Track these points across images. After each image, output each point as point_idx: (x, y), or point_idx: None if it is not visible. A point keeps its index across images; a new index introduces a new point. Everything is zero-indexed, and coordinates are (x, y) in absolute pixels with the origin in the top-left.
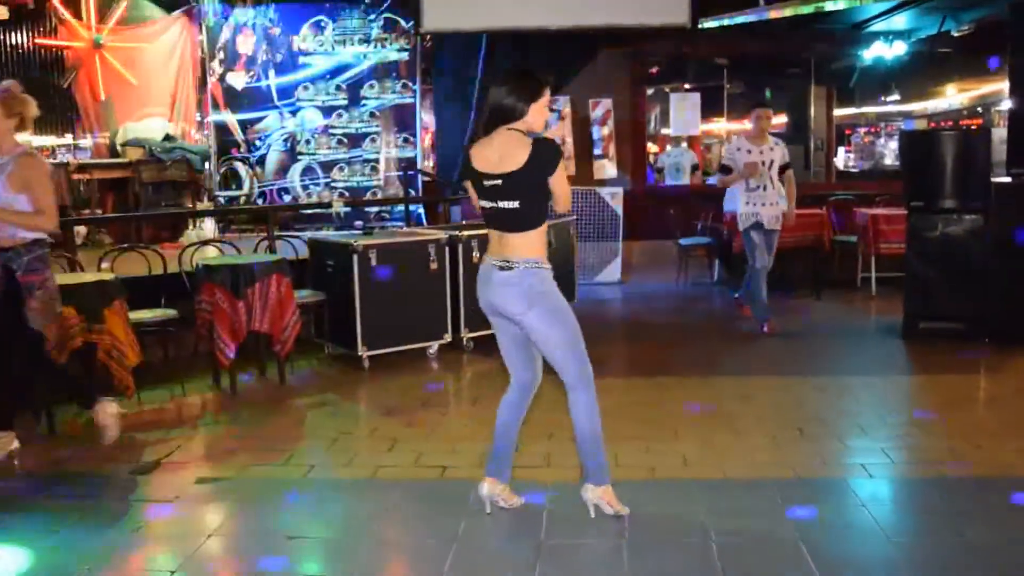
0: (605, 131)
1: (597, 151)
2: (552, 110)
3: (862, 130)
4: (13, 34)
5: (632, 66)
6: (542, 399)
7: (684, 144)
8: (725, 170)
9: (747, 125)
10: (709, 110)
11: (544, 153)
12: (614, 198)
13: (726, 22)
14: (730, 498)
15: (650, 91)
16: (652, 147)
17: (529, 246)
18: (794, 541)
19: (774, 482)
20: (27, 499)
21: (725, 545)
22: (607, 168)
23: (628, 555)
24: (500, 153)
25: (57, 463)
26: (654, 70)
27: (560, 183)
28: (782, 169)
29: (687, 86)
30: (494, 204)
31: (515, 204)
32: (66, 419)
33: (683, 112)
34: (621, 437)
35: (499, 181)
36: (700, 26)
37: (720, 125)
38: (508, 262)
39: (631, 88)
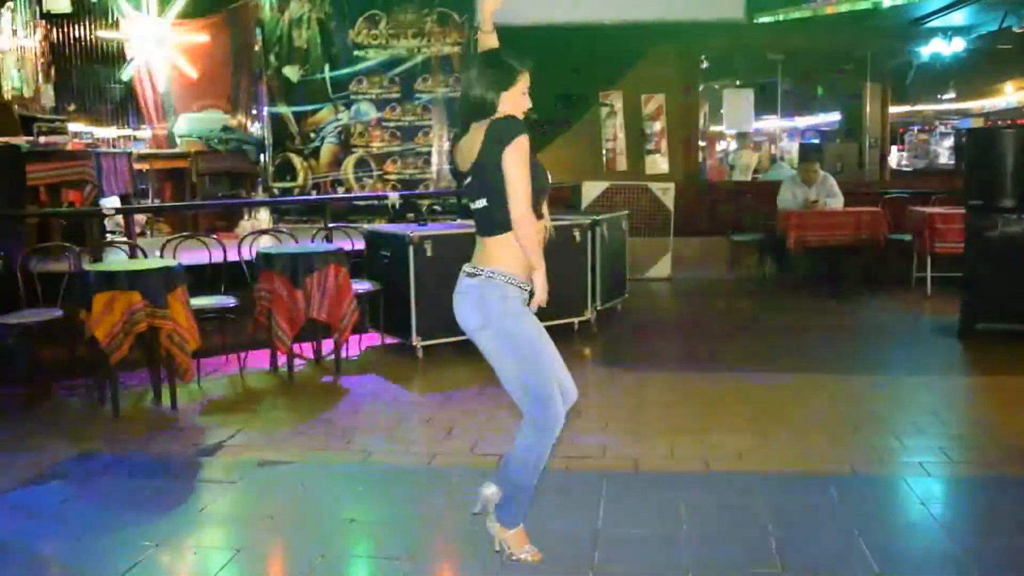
0: (657, 126)
1: (649, 146)
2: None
3: (916, 128)
4: (75, 27)
5: (685, 61)
6: (596, 391)
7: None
8: None
9: (797, 123)
10: (762, 106)
11: (498, 127)
12: (665, 193)
13: (781, 17)
14: (787, 492)
15: (702, 86)
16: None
17: (500, 254)
18: (853, 536)
19: (831, 478)
20: (94, 480)
21: (783, 539)
22: (659, 163)
23: (685, 546)
24: (470, 146)
25: (122, 445)
26: (706, 65)
27: (512, 165)
28: None
29: (738, 82)
30: (471, 204)
31: (483, 202)
32: (130, 402)
33: (736, 108)
34: (675, 430)
35: (470, 177)
36: (755, 21)
37: (773, 122)
38: (474, 268)
39: (683, 83)
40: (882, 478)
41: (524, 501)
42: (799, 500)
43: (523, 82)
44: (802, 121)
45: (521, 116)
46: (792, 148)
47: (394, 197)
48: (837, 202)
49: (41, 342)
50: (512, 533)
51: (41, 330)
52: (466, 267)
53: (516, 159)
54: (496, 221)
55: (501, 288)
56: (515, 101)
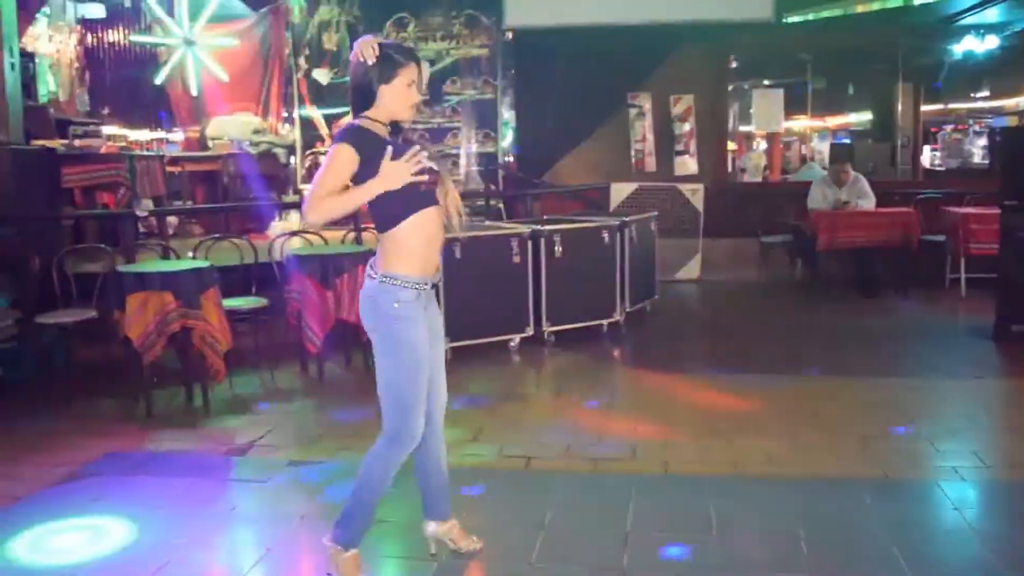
0: (686, 127)
1: (678, 147)
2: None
3: (949, 127)
4: (110, 32)
5: (714, 61)
6: (625, 393)
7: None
8: None
9: (828, 123)
10: (791, 106)
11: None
12: (694, 194)
13: (811, 16)
14: (818, 496)
15: (731, 87)
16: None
17: (392, 253)
18: (885, 542)
19: (864, 482)
20: (128, 478)
21: (815, 543)
22: (688, 164)
23: (715, 549)
24: None
25: (155, 444)
26: (735, 65)
27: (319, 173)
28: None
29: (767, 82)
30: None
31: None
32: (162, 402)
33: (766, 108)
34: (705, 432)
35: None
36: (784, 20)
37: (803, 122)
38: (372, 271)
39: (713, 84)
40: (915, 482)
41: (359, 519)
42: (831, 504)
43: (407, 75)
44: (832, 121)
45: (408, 109)
46: (823, 148)
47: None
48: (869, 203)
49: (76, 342)
50: (345, 557)
51: (76, 330)
52: (367, 269)
53: (326, 160)
54: (376, 220)
55: (394, 293)
56: (398, 94)
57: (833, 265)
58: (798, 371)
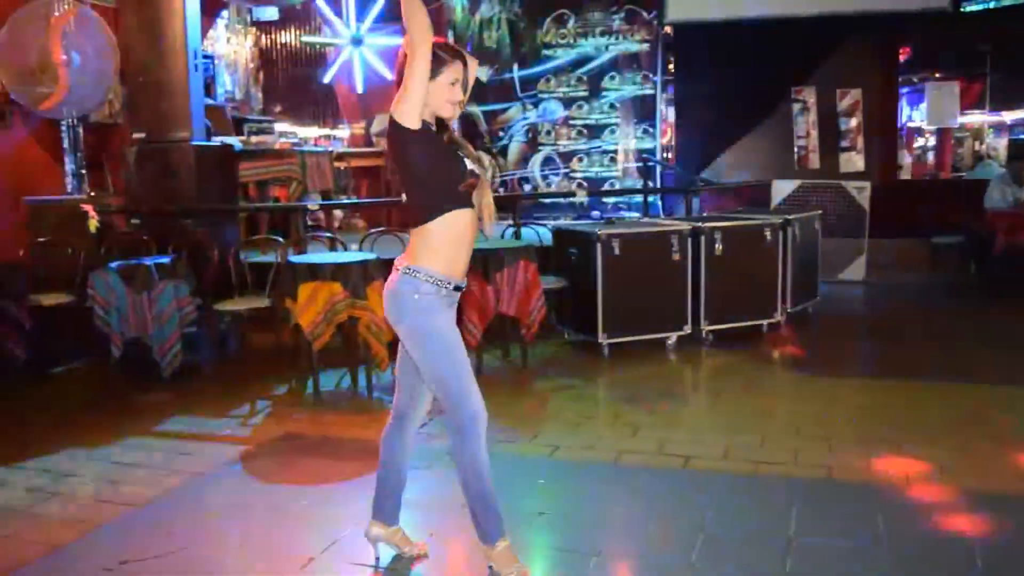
0: (853, 123)
1: (844, 143)
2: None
3: None
4: (282, 33)
5: (883, 54)
6: (786, 395)
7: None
8: None
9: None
10: (965, 100)
11: (389, 127)
12: (861, 193)
13: (991, 5)
14: (992, 511)
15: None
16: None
17: (420, 249)
18: None
19: None
20: (299, 458)
21: (990, 562)
22: (854, 161)
23: (883, 560)
24: None
25: (324, 427)
26: (905, 58)
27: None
28: None
29: (938, 74)
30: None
31: (404, 196)
32: (329, 388)
33: (939, 102)
34: (871, 439)
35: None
36: (962, 9)
37: (977, 117)
38: (398, 263)
39: (882, 77)
40: None
41: (485, 512)
42: (1007, 520)
43: (451, 73)
44: (1010, 116)
45: (450, 106)
46: (997, 145)
47: (582, 194)
48: None
49: (250, 328)
50: (497, 550)
51: (250, 317)
52: (395, 264)
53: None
54: (411, 213)
55: (415, 284)
56: (441, 91)
57: (1012, 268)
58: (970, 379)
